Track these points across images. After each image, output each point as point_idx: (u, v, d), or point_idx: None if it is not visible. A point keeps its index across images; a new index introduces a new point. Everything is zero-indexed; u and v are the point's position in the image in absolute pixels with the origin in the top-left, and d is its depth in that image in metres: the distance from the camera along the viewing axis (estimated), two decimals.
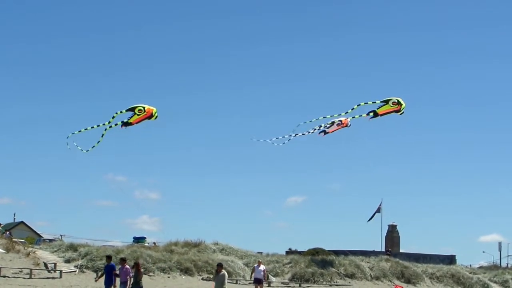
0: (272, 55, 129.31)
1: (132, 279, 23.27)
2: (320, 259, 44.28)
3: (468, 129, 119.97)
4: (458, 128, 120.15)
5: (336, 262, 43.87)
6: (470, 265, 58.44)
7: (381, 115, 36.18)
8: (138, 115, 32.56)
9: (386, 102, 36.10)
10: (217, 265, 24.52)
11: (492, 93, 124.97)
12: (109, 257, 24.82)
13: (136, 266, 23.95)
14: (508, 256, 71.42)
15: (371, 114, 36.19)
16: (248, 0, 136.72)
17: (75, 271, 33.75)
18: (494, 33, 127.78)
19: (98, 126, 32.57)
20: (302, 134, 37.55)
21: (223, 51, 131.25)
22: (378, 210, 59.11)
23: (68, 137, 32.94)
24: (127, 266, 23.52)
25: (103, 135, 32.54)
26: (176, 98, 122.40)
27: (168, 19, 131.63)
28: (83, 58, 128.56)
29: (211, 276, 37.13)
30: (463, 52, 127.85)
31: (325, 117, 36.53)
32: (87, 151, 33.04)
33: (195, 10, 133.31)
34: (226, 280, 23.67)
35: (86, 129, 32.74)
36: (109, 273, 23.71)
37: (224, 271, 23.93)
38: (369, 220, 59.64)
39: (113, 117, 32.62)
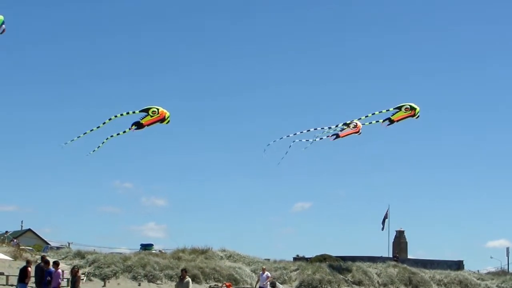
0: (275, 56, 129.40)
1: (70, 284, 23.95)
2: (328, 265, 44.21)
3: (476, 134, 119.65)
4: (465, 133, 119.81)
5: (344, 269, 43.79)
6: (478, 271, 58.21)
7: (397, 121, 36.15)
8: (151, 116, 31.24)
9: (399, 108, 36.07)
10: (182, 270, 22.37)
11: (499, 97, 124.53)
12: (46, 262, 25.20)
13: (72, 271, 24.29)
14: None
15: (387, 121, 36.19)
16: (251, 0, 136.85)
17: (83, 278, 33.66)
18: (493, 34, 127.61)
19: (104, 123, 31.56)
20: (313, 139, 37.41)
21: (228, 54, 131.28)
22: (386, 216, 59.14)
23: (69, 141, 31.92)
24: (59, 271, 23.99)
25: (107, 138, 31.68)
26: (183, 103, 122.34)
27: (169, 19, 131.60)
28: (85, 61, 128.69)
29: (216, 284, 37.06)
30: (470, 54, 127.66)
31: (345, 123, 36.55)
32: (87, 155, 32.36)
33: (195, 10, 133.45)
34: (191, 287, 21.51)
35: (92, 130, 31.86)
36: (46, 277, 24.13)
37: (188, 278, 21.76)
38: (383, 229, 59.75)
39: (126, 113, 31.43)
